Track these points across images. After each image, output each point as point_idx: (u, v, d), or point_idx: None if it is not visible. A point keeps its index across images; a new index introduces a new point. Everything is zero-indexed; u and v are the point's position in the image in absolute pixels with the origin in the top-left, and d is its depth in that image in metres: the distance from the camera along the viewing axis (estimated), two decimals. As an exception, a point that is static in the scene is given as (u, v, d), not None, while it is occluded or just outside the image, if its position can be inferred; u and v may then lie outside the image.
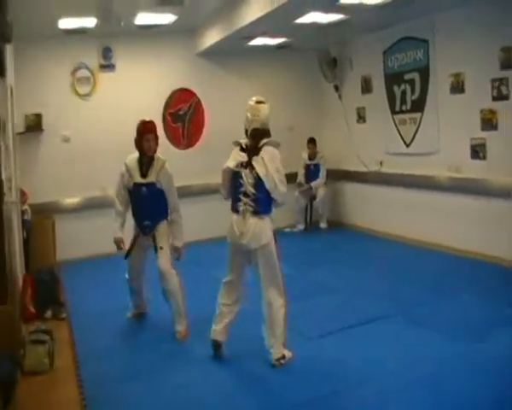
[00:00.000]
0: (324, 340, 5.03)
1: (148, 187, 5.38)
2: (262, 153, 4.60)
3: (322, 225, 9.99)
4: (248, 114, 4.67)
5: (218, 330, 4.80)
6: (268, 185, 4.55)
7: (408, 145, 8.48)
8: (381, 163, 9.05)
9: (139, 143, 5.35)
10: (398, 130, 8.66)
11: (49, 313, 6.09)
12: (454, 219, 7.59)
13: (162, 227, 5.49)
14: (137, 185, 5.41)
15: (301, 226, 10.01)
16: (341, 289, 6.52)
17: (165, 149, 8.85)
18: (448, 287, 6.28)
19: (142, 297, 5.92)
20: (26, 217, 7.37)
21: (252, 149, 4.65)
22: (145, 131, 5.34)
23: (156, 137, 5.42)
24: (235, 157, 4.70)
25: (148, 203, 5.41)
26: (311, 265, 7.73)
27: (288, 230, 9.86)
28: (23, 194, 7.60)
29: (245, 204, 4.57)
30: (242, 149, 4.69)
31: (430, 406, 3.79)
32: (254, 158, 4.60)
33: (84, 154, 8.74)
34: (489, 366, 4.29)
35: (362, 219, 9.69)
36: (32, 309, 6.03)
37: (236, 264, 4.77)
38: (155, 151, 5.43)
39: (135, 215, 5.56)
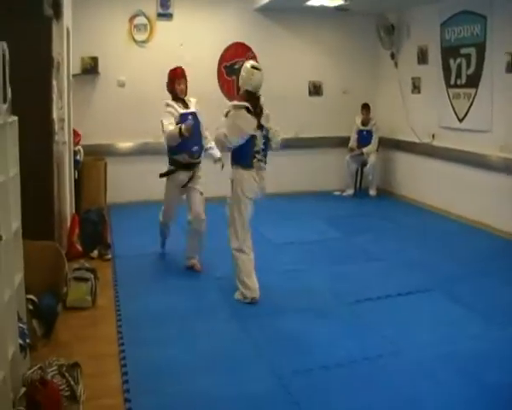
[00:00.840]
0: (360, 306, 5.05)
1: (192, 115, 5.72)
2: (264, 112, 5.09)
3: (372, 192, 9.89)
4: (245, 74, 5.04)
5: (256, 288, 5.07)
6: (277, 138, 5.19)
7: (461, 120, 8.29)
8: (433, 136, 8.88)
9: (172, 87, 5.83)
10: (451, 104, 8.46)
11: (95, 253, 6.26)
12: (502, 200, 7.41)
13: (201, 170, 5.91)
14: (183, 115, 5.72)
15: (350, 191, 9.94)
16: (384, 257, 6.49)
17: (219, 100, 8.87)
18: (491, 268, 6.15)
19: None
20: (78, 157, 7.47)
21: (258, 111, 5.02)
22: (177, 75, 5.81)
23: (186, 82, 5.85)
24: (250, 121, 4.95)
25: (195, 130, 5.68)
26: (357, 230, 7.69)
27: (337, 193, 9.90)
28: (76, 134, 7.69)
29: (259, 160, 5.07)
30: (248, 112, 4.95)
31: (458, 385, 3.75)
32: (262, 119, 5.04)
33: (138, 99, 8.74)
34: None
35: (410, 190, 9.56)
36: (79, 247, 6.21)
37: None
38: (186, 94, 5.87)
39: (183, 144, 5.68)
